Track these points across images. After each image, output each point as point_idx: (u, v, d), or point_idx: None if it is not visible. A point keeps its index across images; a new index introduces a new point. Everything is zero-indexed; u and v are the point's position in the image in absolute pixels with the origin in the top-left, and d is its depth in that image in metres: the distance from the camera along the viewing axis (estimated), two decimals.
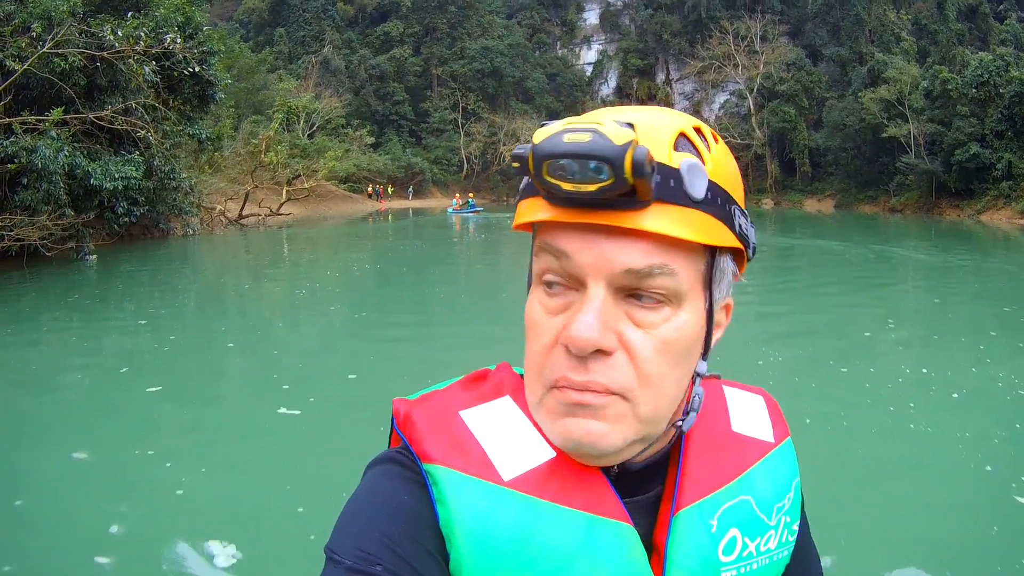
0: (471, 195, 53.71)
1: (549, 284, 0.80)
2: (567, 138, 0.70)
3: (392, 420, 0.89)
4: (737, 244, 0.81)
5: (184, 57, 21.47)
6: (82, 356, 9.32)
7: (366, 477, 0.84)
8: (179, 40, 20.96)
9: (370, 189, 59.46)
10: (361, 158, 56.71)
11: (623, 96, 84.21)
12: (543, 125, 0.74)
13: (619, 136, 0.69)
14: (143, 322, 11.61)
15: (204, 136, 24.34)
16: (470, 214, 45.16)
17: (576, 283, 0.78)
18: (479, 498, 0.78)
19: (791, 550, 0.95)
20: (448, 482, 0.78)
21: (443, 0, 77.00)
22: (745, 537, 0.89)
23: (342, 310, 13.07)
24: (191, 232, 25.44)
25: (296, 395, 7.24)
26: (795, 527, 0.96)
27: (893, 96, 51.96)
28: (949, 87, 47.40)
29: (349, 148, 56.73)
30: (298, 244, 26.19)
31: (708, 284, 0.82)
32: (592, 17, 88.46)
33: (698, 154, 0.78)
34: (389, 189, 61.16)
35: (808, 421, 6.23)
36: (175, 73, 22.56)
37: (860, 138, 57.21)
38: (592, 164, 0.69)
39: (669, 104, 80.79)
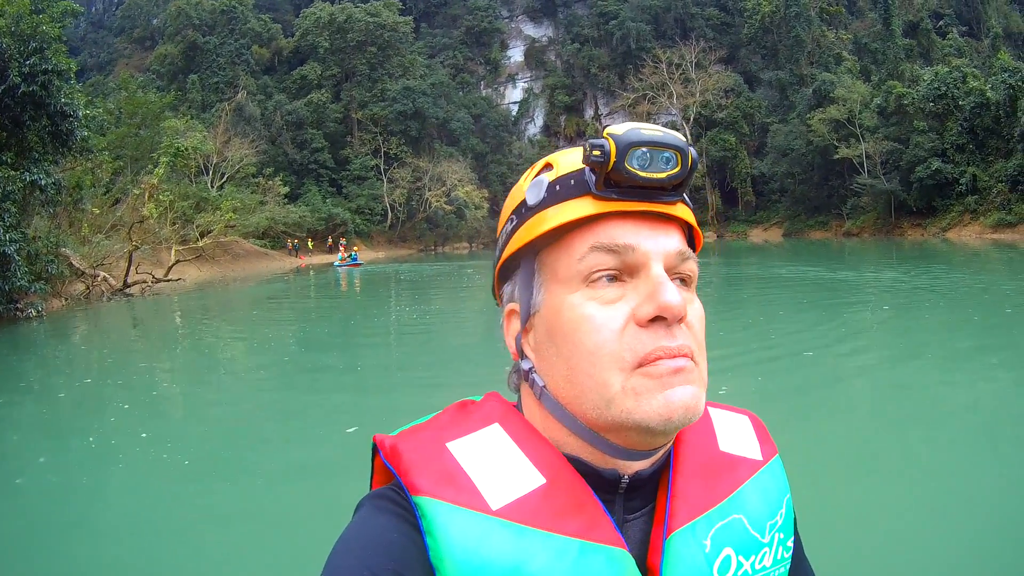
0: (356, 248, 50.28)
1: (598, 280, 0.85)
2: (645, 131, 0.82)
3: (373, 456, 0.91)
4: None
5: None
6: None
7: (357, 515, 0.85)
8: None
9: (290, 244, 54.68)
10: (276, 210, 51.67)
11: (551, 134, 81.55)
12: (607, 125, 0.83)
13: (680, 134, 0.84)
14: None
15: (44, 183, 18.94)
16: (351, 267, 43.77)
17: (629, 273, 0.85)
18: (467, 528, 0.78)
19: (787, 568, 0.96)
20: (436, 513, 0.79)
21: (362, 40, 72.86)
22: (740, 556, 0.89)
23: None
24: (32, 313, 19.30)
25: None
26: (789, 543, 0.96)
27: (844, 116, 49.45)
28: (905, 102, 45.11)
29: (263, 200, 51.80)
30: (189, 320, 20.91)
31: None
32: (516, 55, 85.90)
33: None
34: (310, 243, 56.26)
35: None
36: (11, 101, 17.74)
37: (807, 162, 54.65)
38: (666, 154, 0.82)
39: None
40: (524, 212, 0.89)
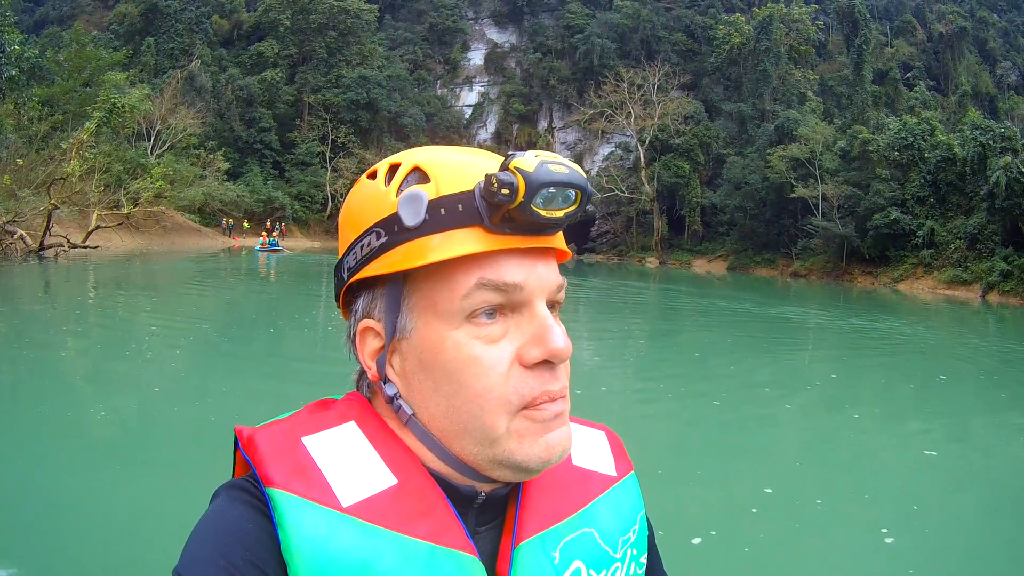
0: (276, 233, 47.63)
1: (479, 315, 0.82)
2: (554, 169, 0.78)
3: (235, 447, 0.89)
4: None
5: None
6: None
7: (213, 503, 0.83)
8: None
9: (224, 223, 52.24)
10: (214, 186, 49.10)
11: (501, 142, 79.80)
12: (511, 156, 0.80)
13: (582, 170, 0.82)
14: None
15: None
16: (270, 252, 41.29)
17: (511, 308, 0.83)
18: (317, 523, 0.77)
19: None
20: (288, 507, 0.78)
21: (324, 23, 70.54)
22: (591, 569, 0.90)
23: None
24: None
25: None
26: (643, 560, 0.97)
27: (805, 155, 49.04)
28: (869, 148, 44.80)
29: (203, 174, 49.27)
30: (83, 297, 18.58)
31: None
32: (477, 58, 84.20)
33: None
34: (245, 224, 53.80)
35: None
36: None
37: (760, 197, 54.08)
38: (569, 192, 0.79)
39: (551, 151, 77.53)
40: (398, 232, 0.82)
